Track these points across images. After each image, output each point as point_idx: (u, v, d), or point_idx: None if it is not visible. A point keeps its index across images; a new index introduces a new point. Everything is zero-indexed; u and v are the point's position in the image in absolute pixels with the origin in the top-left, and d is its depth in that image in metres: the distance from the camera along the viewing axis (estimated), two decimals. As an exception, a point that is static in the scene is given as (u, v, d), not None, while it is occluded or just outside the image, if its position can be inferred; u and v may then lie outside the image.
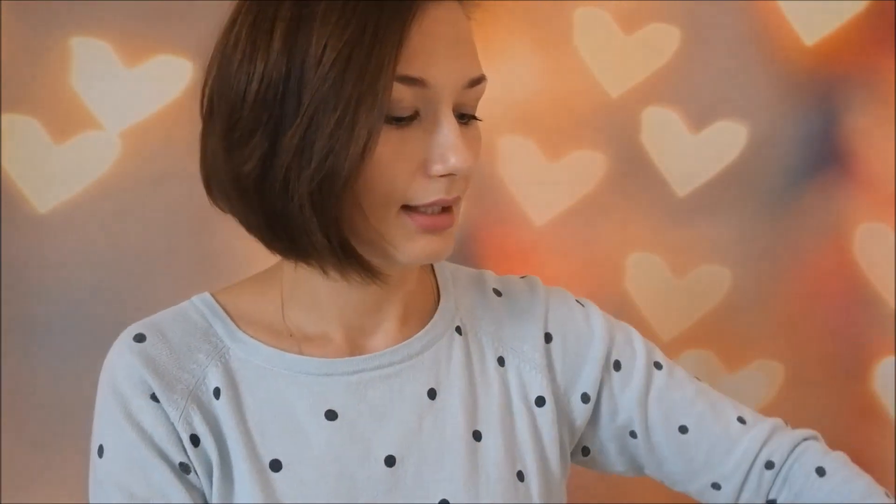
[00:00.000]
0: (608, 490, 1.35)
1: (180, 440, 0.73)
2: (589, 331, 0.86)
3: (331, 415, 0.76)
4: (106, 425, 0.75)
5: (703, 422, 0.86)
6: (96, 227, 1.26)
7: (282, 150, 0.68)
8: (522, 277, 0.90)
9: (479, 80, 0.73)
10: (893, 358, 1.48)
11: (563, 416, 0.85)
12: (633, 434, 0.87)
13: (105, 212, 1.25)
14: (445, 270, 0.87)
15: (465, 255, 1.30)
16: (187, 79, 1.26)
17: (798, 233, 1.45)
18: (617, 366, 0.86)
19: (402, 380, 0.78)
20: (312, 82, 0.67)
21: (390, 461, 0.76)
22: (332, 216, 0.69)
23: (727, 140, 1.42)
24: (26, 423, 1.25)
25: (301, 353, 0.77)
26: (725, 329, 1.45)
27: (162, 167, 1.26)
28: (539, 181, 1.38)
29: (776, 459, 0.85)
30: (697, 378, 0.89)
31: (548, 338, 0.85)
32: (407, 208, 0.72)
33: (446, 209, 0.73)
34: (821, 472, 0.84)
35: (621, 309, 1.40)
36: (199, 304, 0.79)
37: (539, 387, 0.83)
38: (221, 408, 0.75)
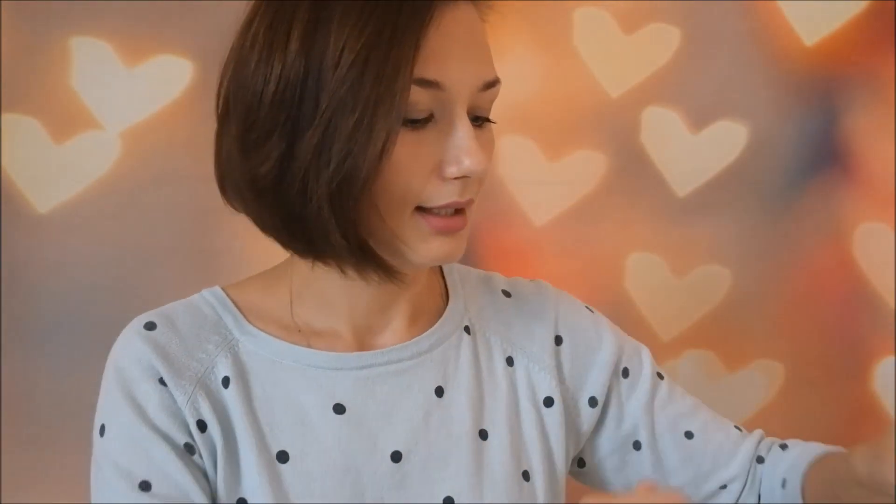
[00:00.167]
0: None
1: (186, 424, 0.73)
2: (598, 336, 0.87)
3: (339, 408, 0.76)
4: (109, 406, 0.74)
5: (708, 427, 0.88)
6: (96, 227, 1.26)
7: (300, 151, 0.68)
8: (531, 281, 0.90)
9: (493, 83, 0.73)
10: (893, 358, 1.48)
11: (570, 418, 0.85)
12: (637, 445, 0.87)
13: (105, 212, 1.25)
14: (454, 271, 0.87)
15: (466, 254, 1.30)
16: (187, 79, 1.26)
17: (798, 233, 1.45)
18: (626, 373, 0.87)
19: (410, 376, 0.79)
20: (330, 84, 0.67)
21: (396, 457, 0.77)
22: (350, 217, 0.70)
23: (727, 140, 1.42)
24: (26, 423, 1.25)
25: (310, 347, 0.77)
26: (725, 329, 1.45)
27: (162, 167, 1.26)
28: (539, 181, 1.38)
29: (763, 453, 0.89)
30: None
31: (558, 340, 0.86)
32: (421, 210, 0.72)
33: (459, 211, 0.73)
34: (784, 447, 0.89)
35: (621, 309, 1.40)
36: (210, 296, 0.79)
37: (548, 387, 0.84)
38: (230, 397, 0.75)
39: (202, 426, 0.74)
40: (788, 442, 0.90)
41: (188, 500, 0.72)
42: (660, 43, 1.39)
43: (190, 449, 0.73)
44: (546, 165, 1.38)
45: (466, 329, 0.83)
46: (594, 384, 0.86)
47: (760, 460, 0.88)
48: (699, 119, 1.41)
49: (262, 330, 0.77)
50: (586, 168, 1.39)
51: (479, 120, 0.74)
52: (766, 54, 1.42)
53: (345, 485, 0.75)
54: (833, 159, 1.45)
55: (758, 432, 0.91)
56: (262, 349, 0.77)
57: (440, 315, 0.82)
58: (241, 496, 0.74)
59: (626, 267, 1.42)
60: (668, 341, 1.43)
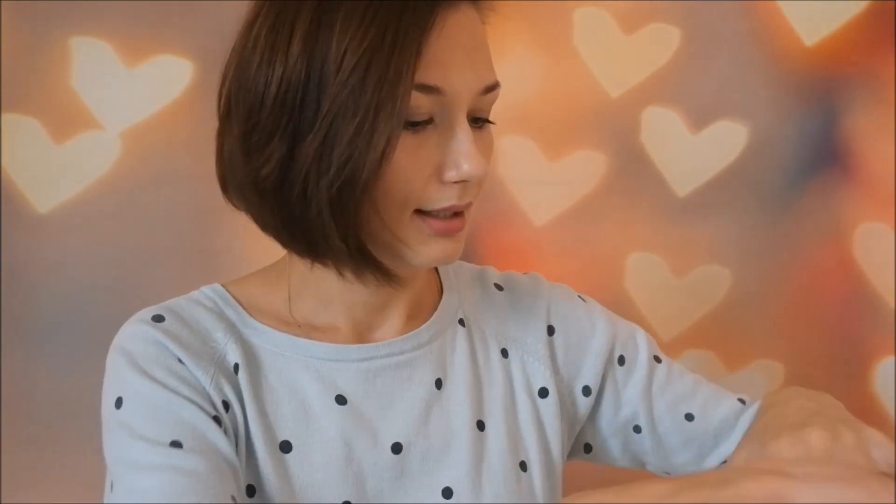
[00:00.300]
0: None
1: (213, 402, 0.72)
2: (591, 325, 0.87)
3: (340, 400, 0.76)
4: (123, 381, 0.71)
5: (707, 407, 0.88)
6: (96, 227, 1.26)
7: (301, 155, 0.69)
8: (525, 274, 0.91)
9: (493, 87, 0.73)
10: (893, 358, 1.48)
11: (564, 408, 0.86)
12: (637, 429, 0.88)
13: (105, 212, 1.26)
14: (447, 266, 0.87)
15: (465, 254, 1.30)
16: (187, 79, 1.26)
17: (798, 233, 1.45)
18: (621, 360, 0.87)
19: (410, 369, 0.79)
20: (332, 88, 0.67)
21: (397, 448, 0.77)
22: (350, 221, 0.70)
23: (727, 140, 1.42)
24: (26, 423, 1.26)
25: (311, 339, 0.78)
26: (725, 329, 1.45)
27: (162, 167, 1.26)
28: (539, 181, 1.38)
29: None
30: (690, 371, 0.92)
31: (550, 330, 0.86)
32: (420, 212, 0.72)
33: (458, 213, 0.74)
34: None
35: (621, 309, 1.38)
36: (210, 292, 0.79)
37: (543, 378, 0.84)
38: (242, 382, 0.75)
39: (226, 406, 0.73)
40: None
41: (220, 457, 0.69)
42: (660, 43, 1.39)
43: (218, 421, 0.72)
44: (546, 165, 1.38)
45: (461, 322, 0.84)
46: (588, 373, 0.86)
47: None
48: (699, 119, 1.42)
49: (263, 323, 0.78)
50: (586, 168, 1.39)
51: (478, 122, 0.74)
52: (766, 54, 1.42)
53: (346, 476, 0.75)
54: (833, 159, 1.45)
55: (758, 403, 0.89)
56: (264, 341, 0.77)
57: (435, 308, 0.83)
58: (250, 483, 0.74)
59: (626, 267, 1.42)
60: (668, 341, 1.43)
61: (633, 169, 1.40)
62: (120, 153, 1.26)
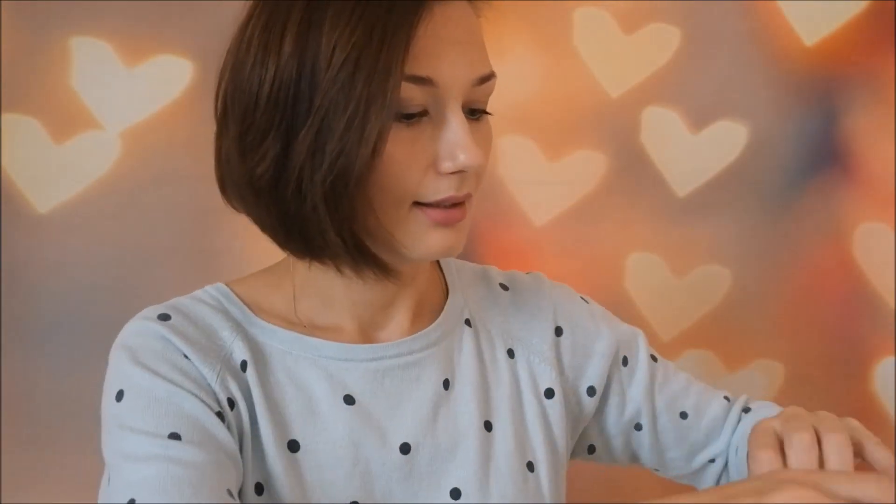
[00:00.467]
0: (606, 491, 1.35)
1: (217, 399, 0.72)
2: (595, 327, 0.88)
3: (349, 399, 0.76)
4: (126, 375, 0.71)
5: (700, 406, 0.90)
6: (96, 227, 1.26)
7: (294, 151, 0.69)
8: (528, 273, 0.91)
9: (488, 77, 0.73)
10: (893, 358, 1.48)
11: (569, 408, 0.86)
12: (638, 427, 0.89)
13: (105, 212, 1.26)
14: (451, 265, 0.87)
15: (465, 255, 1.30)
16: (187, 79, 1.26)
17: (798, 233, 1.45)
18: (625, 361, 0.89)
19: (418, 369, 0.79)
20: (323, 84, 0.68)
21: (405, 449, 0.77)
22: (346, 215, 0.70)
23: (727, 140, 1.42)
24: (26, 423, 1.26)
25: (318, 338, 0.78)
26: (725, 329, 1.45)
27: (162, 167, 1.26)
28: (539, 181, 1.38)
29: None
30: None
31: (558, 331, 0.87)
32: (418, 205, 0.72)
33: (458, 204, 0.73)
34: (747, 410, 0.92)
35: (621, 309, 1.39)
36: (213, 291, 0.79)
37: (549, 379, 0.85)
38: (250, 380, 0.74)
39: (231, 404, 0.73)
40: (752, 405, 0.92)
41: (221, 450, 0.69)
42: (660, 43, 1.39)
43: (221, 417, 0.71)
44: (546, 165, 1.38)
45: (467, 322, 0.84)
46: (593, 374, 0.87)
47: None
48: (699, 119, 1.42)
49: (269, 323, 0.77)
50: (586, 168, 1.39)
51: (475, 113, 0.74)
52: (766, 54, 1.42)
53: (354, 476, 0.75)
54: (833, 159, 1.45)
55: (741, 400, 0.92)
56: (271, 339, 0.77)
57: (441, 309, 0.83)
58: (259, 481, 0.74)
59: (626, 267, 1.42)
60: (668, 341, 1.43)
61: (633, 169, 1.40)
62: (120, 153, 1.26)
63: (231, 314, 0.77)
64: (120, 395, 0.71)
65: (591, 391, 0.87)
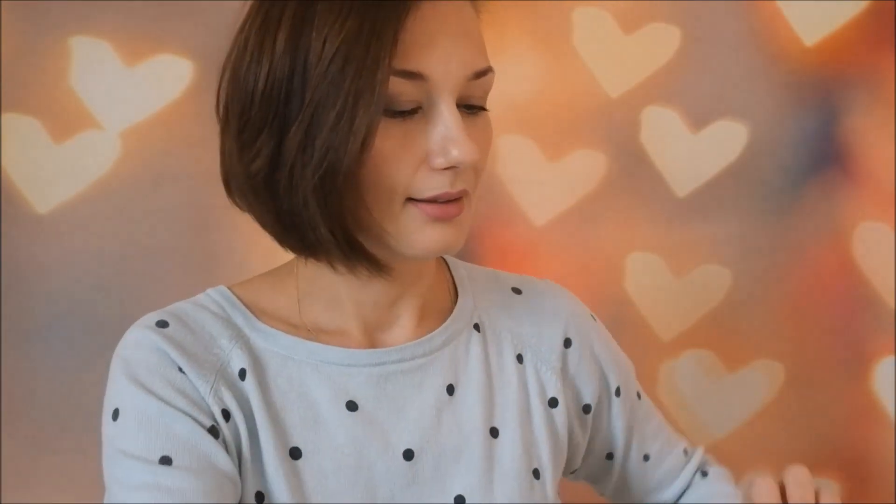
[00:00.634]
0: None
1: (211, 413, 0.72)
2: (602, 347, 0.89)
3: (351, 406, 0.76)
4: (122, 392, 0.72)
5: (662, 453, 0.93)
6: (96, 227, 1.26)
7: (286, 147, 0.69)
8: (541, 280, 0.91)
9: (484, 72, 0.73)
10: (893, 358, 1.48)
11: (569, 420, 0.86)
12: (609, 456, 0.91)
13: (105, 212, 1.25)
14: (460, 268, 0.87)
15: (465, 255, 1.30)
16: (187, 79, 1.26)
17: (798, 233, 1.45)
18: (618, 392, 0.89)
19: (422, 374, 0.78)
20: (313, 79, 0.68)
21: (409, 455, 0.77)
22: (336, 211, 0.70)
23: (727, 140, 1.42)
24: (26, 423, 1.25)
25: (321, 343, 0.77)
26: (725, 329, 1.45)
27: (162, 167, 1.26)
28: (539, 181, 1.38)
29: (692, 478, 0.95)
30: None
31: (567, 343, 0.86)
32: (413, 201, 0.72)
33: (454, 200, 0.73)
34: (705, 474, 0.95)
35: (621, 309, 1.40)
36: (216, 295, 0.78)
37: (554, 388, 0.84)
38: (249, 388, 0.74)
39: (226, 415, 0.73)
40: (709, 470, 0.95)
41: (215, 469, 0.70)
42: (660, 43, 1.39)
43: (215, 432, 0.72)
44: (546, 165, 1.38)
45: (476, 327, 0.83)
46: (590, 393, 0.87)
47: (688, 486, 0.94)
48: (699, 119, 1.41)
49: (271, 327, 0.77)
50: (586, 168, 1.39)
51: (472, 108, 0.73)
52: (766, 54, 1.42)
53: (357, 482, 0.75)
54: (833, 159, 1.45)
55: (697, 457, 0.94)
56: (273, 345, 0.76)
57: (449, 312, 0.82)
58: (259, 490, 0.73)
59: (625, 267, 1.42)
60: (668, 341, 1.43)
61: (633, 169, 1.40)
62: (120, 153, 1.26)
63: (233, 319, 0.77)
64: (115, 415, 0.72)
65: (586, 409, 0.87)
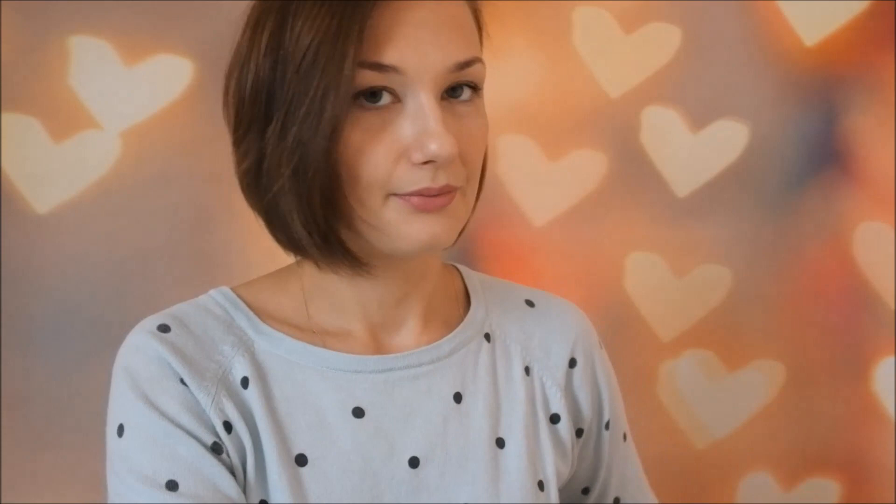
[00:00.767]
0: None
1: (213, 426, 0.72)
2: (604, 376, 0.89)
3: (358, 412, 0.75)
4: (125, 407, 0.72)
5: (636, 500, 0.92)
6: (96, 227, 1.26)
7: (266, 144, 0.70)
8: (557, 297, 0.90)
9: (468, 63, 0.71)
10: (893, 358, 1.48)
11: (569, 437, 0.86)
12: (585, 491, 0.91)
13: (105, 212, 1.25)
14: (474, 278, 0.87)
15: (465, 255, 1.30)
16: (187, 79, 1.25)
17: (798, 233, 1.45)
18: (607, 425, 0.89)
19: (429, 381, 0.78)
20: (289, 75, 0.69)
21: (414, 462, 0.76)
22: (310, 205, 0.69)
23: (727, 140, 1.42)
24: (26, 423, 1.25)
25: (327, 348, 0.76)
26: (725, 329, 1.45)
27: (162, 167, 1.26)
28: (539, 181, 1.38)
29: None
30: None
31: (572, 363, 0.86)
32: (396, 196, 0.71)
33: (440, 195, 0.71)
34: None
35: (621, 309, 1.40)
36: (219, 297, 0.78)
37: (557, 404, 0.84)
38: (251, 397, 0.73)
39: (228, 427, 0.72)
40: None
41: (219, 494, 0.70)
42: (660, 43, 1.39)
43: (218, 448, 0.72)
44: (546, 165, 1.38)
45: (487, 336, 0.83)
46: (586, 418, 0.87)
47: None
48: (699, 119, 1.41)
49: (276, 330, 0.76)
50: (586, 168, 1.39)
51: (457, 94, 0.72)
52: (766, 54, 1.42)
53: (362, 490, 0.74)
54: (833, 159, 1.45)
55: None
56: (278, 349, 0.75)
57: (460, 320, 0.82)
58: (263, 498, 0.73)
59: (626, 267, 1.42)
60: (668, 341, 1.43)
61: (633, 169, 1.40)
62: (120, 153, 1.26)
63: (236, 322, 0.76)
64: (121, 430, 0.72)
65: (579, 433, 0.87)
